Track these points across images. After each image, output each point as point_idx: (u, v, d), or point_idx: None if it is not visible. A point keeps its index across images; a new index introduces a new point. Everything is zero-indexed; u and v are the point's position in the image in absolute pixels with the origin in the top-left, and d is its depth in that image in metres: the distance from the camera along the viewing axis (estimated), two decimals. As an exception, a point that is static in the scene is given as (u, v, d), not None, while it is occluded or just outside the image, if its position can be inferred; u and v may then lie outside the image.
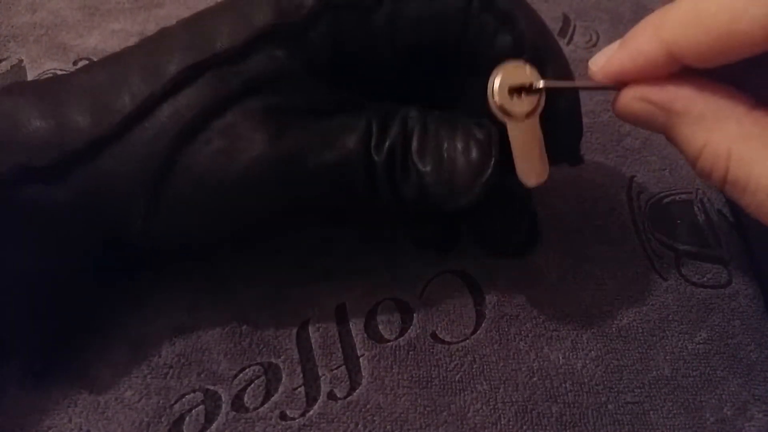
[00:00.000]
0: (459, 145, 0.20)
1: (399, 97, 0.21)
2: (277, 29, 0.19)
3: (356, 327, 0.23)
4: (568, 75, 0.21)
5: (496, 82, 0.19)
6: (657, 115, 0.19)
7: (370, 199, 0.20)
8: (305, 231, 0.25)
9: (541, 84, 0.19)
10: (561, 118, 0.21)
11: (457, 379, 0.22)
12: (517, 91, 0.19)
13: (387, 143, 0.20)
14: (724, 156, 0.17)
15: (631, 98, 0.19)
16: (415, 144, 0.20)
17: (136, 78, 0.19)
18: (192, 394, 0.22)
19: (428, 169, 0.20)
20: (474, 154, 0.20)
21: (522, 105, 0.19)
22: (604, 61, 0.19)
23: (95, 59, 0.33)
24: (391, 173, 0.20)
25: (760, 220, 0.17)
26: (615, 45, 0.19)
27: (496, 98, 0.19)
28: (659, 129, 0.19)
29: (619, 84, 0.19)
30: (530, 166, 0.20)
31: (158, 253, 0.21)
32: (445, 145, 0.20)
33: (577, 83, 0.20)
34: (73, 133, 0.19)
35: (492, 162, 0.20)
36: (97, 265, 0.22)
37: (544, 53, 0.21)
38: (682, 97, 0.18)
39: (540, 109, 0.20)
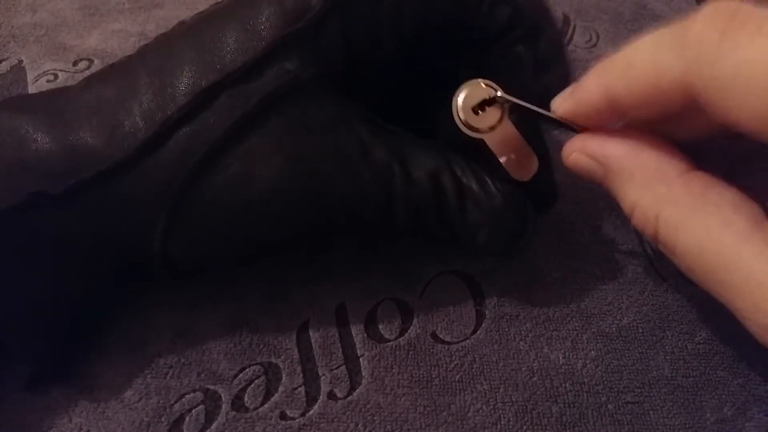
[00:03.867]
0: (498, 209, 0.21)
1: (402, 105, 0.22)
2: (287, 40, 0.19)
3: (356, 327, 0.23)
4: (560, 46, 0.22)
5: (460, 107, 0.20)
6: (596, 169, 0.19)
7: (386, 227, 0.21)
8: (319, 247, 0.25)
9: (499, 93, 0.20)
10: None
11: (457, 379, 0.22)
12: (480, 106, 0.20)
13: (414, 186, 0.20)
14: (652, 218, 0.18)
15: (573, 150, 0.20)
16: (451, 197, 0.21)
17: (144, 96, 0.19)
18: (192, 394, 0.22)
19: (465, 226, 0.21)
20: (514, 221, 0.21)
21: (489, 117, 0.21)
22: (558, 105, 0.20)
23: (95, 59, 0.33)
24: (417, 216, 0.21)
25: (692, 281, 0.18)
26: (569, 89, 0.19)
27: (465, 119, 0.20)
28: (599, 182, 0.19)
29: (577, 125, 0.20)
30: (519, 163, 0.21)
31: (176, 274, 0.21)
32: (484, 207, 0.21)
33: (537, 109, 0.21)
34: (87, 157, 0.19)
35: (529, 228, 0.21)
36: (116, 288, 0.22)
37: (541, 24, 0.21)
38: (617, 154, 0.19)
39: (507, 113, 0.21)
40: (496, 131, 0.21)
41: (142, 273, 0.21)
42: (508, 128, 0.21)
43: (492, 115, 0.21)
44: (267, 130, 0.19)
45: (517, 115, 0.21)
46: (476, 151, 0.21)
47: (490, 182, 0.21)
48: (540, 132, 0.22)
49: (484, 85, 0.20)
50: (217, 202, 0.19)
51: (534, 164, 0.21)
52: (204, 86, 0.19)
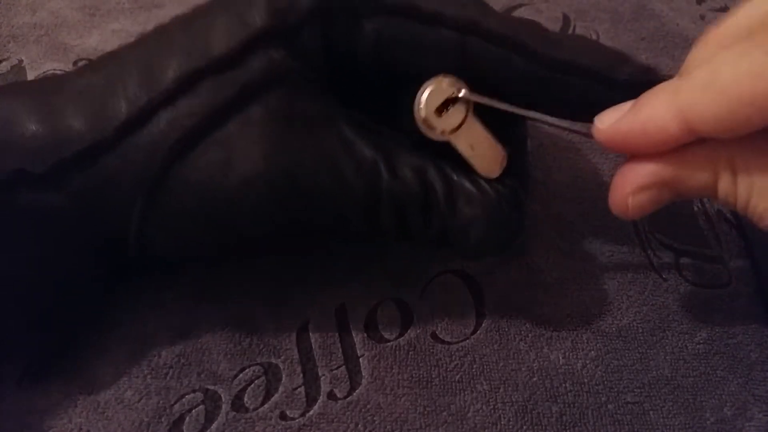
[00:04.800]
0: (491, 205, 0.20)
1: (387, 106, 0.21)
2: (272, 30, 0.19)
3: (356, 327, 0.23)
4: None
5: (422, 110, 0.19)
6: (660, 193, 0.18)
7: (369, 230, 0.20)
8: (301, 249, 0.25)
9: (461, 94, 0.19)
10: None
11: (457, 379, 0.22)
12: (444, 105, 0.20)
13: (401, 188, 0.20)
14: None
15: (624, 200, 0.18)
16: (441, 196, 0.20)
17: (131, 82, 0.19)
18: (192, 394, 0.22)
19: (457, 224, 0.20)
20: (508, 216, 0.20)
21: (453, 117, 0.20)
22: (612, 123, 0.18)
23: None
24: (403, 218, 0.20)
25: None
26: (625, 105, 0.18)
27: (427, 123, 0.20)
28: (673, 201, 0.18)
29: (612, 147, 0.18)
30: (487, 160, 0.20)
31: (154, 260, 0.21)
32: (477, 203, 0.20)
33: (502, 105, 0.20)
34: (70, 138, 0.19)
35: (524, 219, 0.21)
36: (97, 270, 0.22)
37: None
38: (667, 160, 0.17)
39: (472, 110, 0.20)
40: (461, 131, 0.20)
41: (121, 257, 0.21)
42: (475, 126, 0.20)
43: (456, 114, 0.20)
44: (248, 119, 0.19)
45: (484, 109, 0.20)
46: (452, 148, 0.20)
47: (483, 181, 0.20)
48: (511, 120, 0.21)
49: (446, 84, 0.19)
50: (195, 188, 0.19)
51: (503, 159, 0.20)
52: (186, 71, 0.19)
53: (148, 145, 0.19)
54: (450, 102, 0.20)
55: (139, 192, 0.19)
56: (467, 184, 0.20)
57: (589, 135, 0.18)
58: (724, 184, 0.17)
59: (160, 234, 0.20)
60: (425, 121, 0.20)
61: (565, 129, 0.20)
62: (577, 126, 0.19)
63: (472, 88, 0.20)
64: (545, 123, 0.20)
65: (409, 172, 0.20)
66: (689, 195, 0.18)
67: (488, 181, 0.20)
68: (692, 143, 0.17)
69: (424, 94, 0.19)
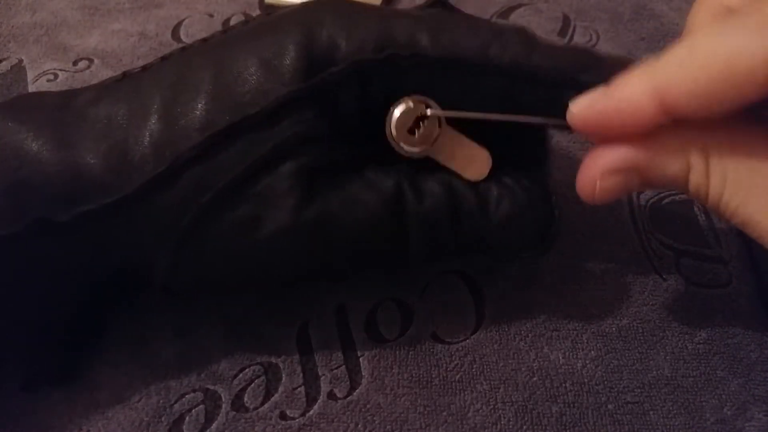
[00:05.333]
0: (521, 200, 0.20)
1: None
2: (308, 92, 0.19)
3: (356, 327, 0.23)
4: None
5: (395, 133, 0.20)
6: (630, 178, 0.17)
7: (399, 254, 0.20)
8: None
9: (429, 112, 0.20)
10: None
11: (457, 379, 0.22)
12: (416, 124, 0.20)
13: (428, 202, 0.20)
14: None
15: (592, 181, 0.18)
16: (472, 203, 0.20)
17: (156, 125, 0.18)
18: (192, 394, 0.22)
19: (495, 225, 0.20)
20: (540, 207, 0.20)
21: (427, 132, 0.20)
22: (586, 105, 0.17)
23: (95, 59, 0.33)
24: (433, 232, 0.20)
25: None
26: (600, 90, 0.17)
27: (402, 143, 0.20)
28: (641, 189, 0.18)
29: (590, 134, 0.17)
30: (471, 165, 0.21)
31: (179, 293, 0.21)
32: (507, 201, 0.20)
33: (471, 115, 0.20)
34: (93, 185, 0.18)
35: (556, 212, 0.21)
36: (108, 303, 0.22)
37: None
38: (641, 145, 0.17)
39: (443, 123, 0.20)
40: (437, 144, 0.20)
41: (140, 286, 0.21)
42: (450, 136, 0.20)
43: (429, 129, 0.20)
44: (278, 175, 0.19)
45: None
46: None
47: (507, 179, 0.21)
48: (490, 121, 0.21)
49: (413, 103, 0.20)
50: (223, 242, 0.19)
51: (487, 160, 0.21)
52: (220, 128, 0.18)
53: (176, 202, 0.18)
54: (420, 120, 0.20)
55: (166, 247, 0.19)
56: (494, 186, 0.20)
57: (564, 127, 0.18)
58: (696, 175, 0.17)
59: (186, 278, 0.20)
60: (399, 141, 0.20)
61: (539, 124, 0.20)
62: (552, 120, 0.19)
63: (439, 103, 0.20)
64: (520, 122, 0.20)
65: (436, 186, 0.20)
66: (659, 183, 0.18)
67: (513, 178, 0.20)
68: (667, 129, 0.16)
69: (394, 117, 0.20)
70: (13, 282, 0.19)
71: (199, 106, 0.18)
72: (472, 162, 0.21)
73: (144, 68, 0.20)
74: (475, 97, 0.20)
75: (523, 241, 0.21)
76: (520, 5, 0.36)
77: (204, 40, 0.21)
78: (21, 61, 0.33)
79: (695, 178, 0.17)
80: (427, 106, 0.20)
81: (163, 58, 0.21)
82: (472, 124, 0.20)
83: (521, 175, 0.21)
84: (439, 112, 0.20)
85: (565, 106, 0.18)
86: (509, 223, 0.20)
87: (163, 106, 0.19)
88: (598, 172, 0.18)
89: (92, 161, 0.18)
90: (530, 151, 0.23)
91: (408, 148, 0.20)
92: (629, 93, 0.16)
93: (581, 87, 0.18)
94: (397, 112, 0.20)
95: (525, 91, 0.19)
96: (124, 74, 0.21)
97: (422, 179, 0.20)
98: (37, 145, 0.18)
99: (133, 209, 0.18)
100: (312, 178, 0.19)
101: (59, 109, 0.19)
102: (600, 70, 0.18)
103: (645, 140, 0.17)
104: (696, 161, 0.17)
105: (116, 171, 0.18)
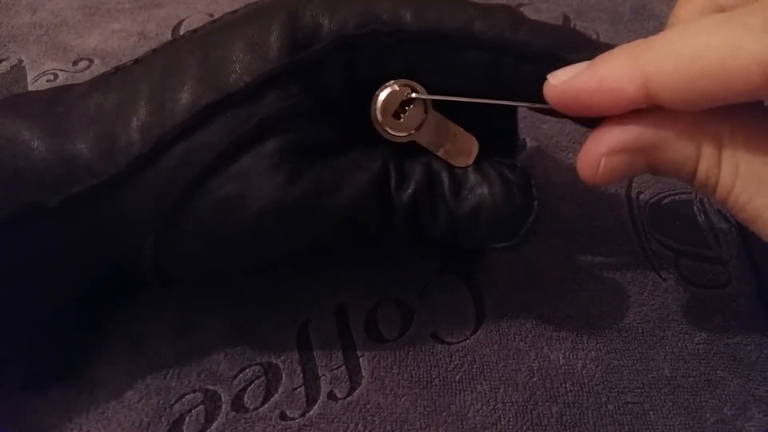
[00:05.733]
0: (497, 189, 0.20)
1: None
2: (292, 67, 0.19)
3: (356, 327, 0.23)
4: None
5: (380, 116, 0.20)
6: (635, 159, 0.16)
7: (385, 235, 0.20)
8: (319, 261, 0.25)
9: (414, 95, 0.20)
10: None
11: (457, 379, 0.22)
12: (401, 108, 0.20)
13: (411, 185, 0.20)
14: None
15: (597, 160, 0.17)
16: (446, 187, 0.20)
17: (143, 109, 0.19)
18: (192, 394, 0.22)
19: (465, 212, 0.20)
20: (517, 198, 0.20)
21: (413, 117, 0.20)
22: (566, 79, 0.17)
23: (95, 59, 0.33)
24: (415, 215, 0.20)
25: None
26: (582, 64, 0.16)
27: (388, 128, 0.20)
28: (645, 171, 0.17)
29: (565, 109, 0.17)
30: (457, 151, 0.20)
31: (170, 278, 0.21)
32: (482, 190, 0.20)
33: (456, 98, 0.19)
34: (82, 170, 0.18)
35: (535, 204, 0.20)
36: (103, 293, 0.22)
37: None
38: (651, 124, 0.16)
39: (430, 105, 0.20)
40: (423, 129, 0.20)
41: (134, 280, 0.21)
42: (436, 121, 0.20)
43: (414, 114, 0.20)
44: (262, 152, 0.19)
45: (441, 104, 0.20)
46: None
47: (489, 168, 0.20)
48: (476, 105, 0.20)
49: (398, 87, 0.19)
50: (208, 222, 0.19)
51: (474, 145, 0.20)
52: (203, 104, 0.18)
53: (162, 180, 0.18)
54: (406, 104, 0.20)
55: (153, 225, 0.19)
56: (472, 172, 0.20)
57: (546, 111, 0.18)
58: (705, 164, 0.16)
59: (175, 260, 0.20)
60: (385, 126, 0.20)
61: (522, 106, 0.19)
62: (541, 104, 0.18)
63: (426, 87, 0.20)
64: (503, 104, 0.19)
65: (417, 166, 0.20)
66: (664, 168, 0.17)
67: (497, 167, 0.20)
68: (680, 112, 0.16)
69: (379, 101, 0.20)
70: (8, 274, 0.19)
71: (186, 88, 0.19)
72: (458, 149, 0.20)
73: (136, 61, 0.21)
74: (460, 73, 0.20)
75: (496, 231, 0.21)
76: (520, 5, 0.36)
77: (194, 30, 0.21)
78: (21, 61, 0.33)
79: (705, 167, 0.16)
80: (413, 90, 0.20)
81: (154, 51, 0.21)
82: (454, 106, 0.20)
83: (505, 166, 0.21)
84: (425, 96, 0.20)
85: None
86: (480, 211, 0.20)
87: (150, 93, 0.19)
88: (605, 149, 0.17)
89: (81, 148, 0.18)
90: (501, 137, 0.22)
91: (393, 133, 0.20)
92: (612, 71, 0.16)
93: (562, 61, 0.17)
94: (383, 95, 0.20)
95: (511, 68, 0.19)
96: (117, 68, 0.21)
97: (406, 161, 0.20)
98: (29, 134, 0.19)
99: (121, 190, 0.19)
100: (299, 156, 0.19)
101: (51, 103, 0.20)
102: (590, 51, 0.18)
103: (656, 118, 0.16)
104: (707, 149, 0.16)
105: (105, 155, 0.18)
